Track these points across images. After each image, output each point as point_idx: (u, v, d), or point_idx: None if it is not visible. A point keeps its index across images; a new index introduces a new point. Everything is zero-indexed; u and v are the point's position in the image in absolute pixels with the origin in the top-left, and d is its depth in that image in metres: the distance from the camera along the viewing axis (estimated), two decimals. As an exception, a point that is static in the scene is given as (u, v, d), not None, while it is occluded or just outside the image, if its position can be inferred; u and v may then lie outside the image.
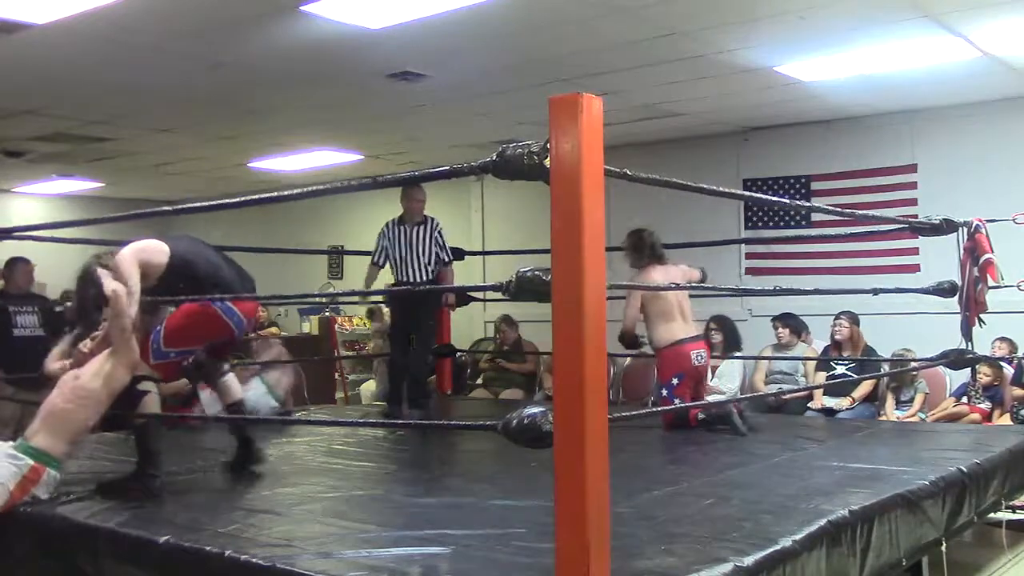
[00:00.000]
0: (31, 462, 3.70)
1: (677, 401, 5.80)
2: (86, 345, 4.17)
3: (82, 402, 3.85)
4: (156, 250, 4.09)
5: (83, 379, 3.92)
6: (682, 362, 5.89)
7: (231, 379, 4.55)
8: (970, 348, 5.38)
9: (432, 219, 6.81)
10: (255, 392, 6.06)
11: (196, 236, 4.52)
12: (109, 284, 3.92)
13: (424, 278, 6.69)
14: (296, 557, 2.91)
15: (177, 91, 7.28)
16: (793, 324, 7.74)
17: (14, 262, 7.42)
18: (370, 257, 6.85)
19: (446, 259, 6.86)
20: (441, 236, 6.81)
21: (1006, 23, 5.79)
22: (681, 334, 5.89)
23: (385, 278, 7.17)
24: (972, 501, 4.28)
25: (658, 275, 5.83)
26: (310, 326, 11.78)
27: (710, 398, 7.60)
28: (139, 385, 3.99)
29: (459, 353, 8.60)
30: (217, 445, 5.20)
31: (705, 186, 3.51)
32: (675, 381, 5.87)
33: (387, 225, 6.80)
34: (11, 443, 3.81)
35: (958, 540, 4.47)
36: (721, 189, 3.87)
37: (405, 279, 6.70)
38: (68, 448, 3.83)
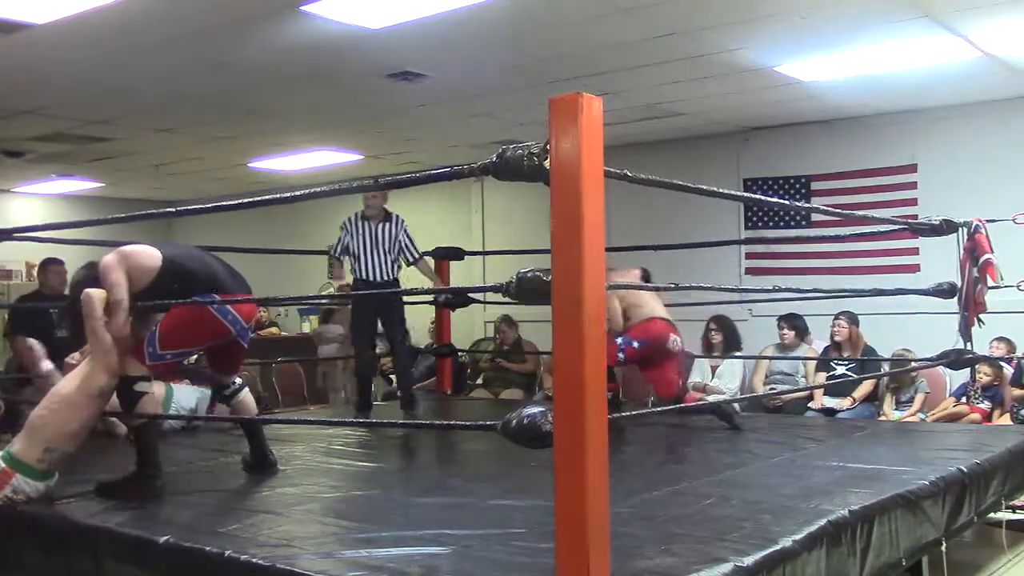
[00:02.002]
0: (2, 465, 3.72)
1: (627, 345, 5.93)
2: (73, 357, 4.14)
3: (55, 407, 3.82)
4: (145, 255, 4.03)
5: (59, 385, 3.92)
6: (654, 332, 6.01)
7: (246, 395, 4.52)
8: (969, 348, 5.38)
9: (397, 216, 6.54)
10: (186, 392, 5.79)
11: (196, 236, 4.51)
12: (88, 289, 3.90)
13: (385, 277, 6.44)
14: (296, 557, 2.91)
15: (177, 91, 7.27)
16: (798, 325, 7.74)
17: (47, 264, 7.25)
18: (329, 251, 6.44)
19: (413, 256, 6.60)
20: (407, 234, 6.56)
21: (1006, 23, 5.79)
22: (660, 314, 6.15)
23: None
24: (972, 501, 4.28)
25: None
26: (310, 326, 11.78)
27: (710, 398, 7.62)
28: (136, 386, 3.96)
29: (459, 353, 8.59)
30: (217, 445, 5.21)
31: (705, 187, 3.51)
32: (636, 344, 5.96)
33: (349, 220, 6.54)
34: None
35: (958, 540, 4.46)
36: (721, 190, 3.87)
37: (365, 277, 6.45)
38: (42, 455, 3.75)
